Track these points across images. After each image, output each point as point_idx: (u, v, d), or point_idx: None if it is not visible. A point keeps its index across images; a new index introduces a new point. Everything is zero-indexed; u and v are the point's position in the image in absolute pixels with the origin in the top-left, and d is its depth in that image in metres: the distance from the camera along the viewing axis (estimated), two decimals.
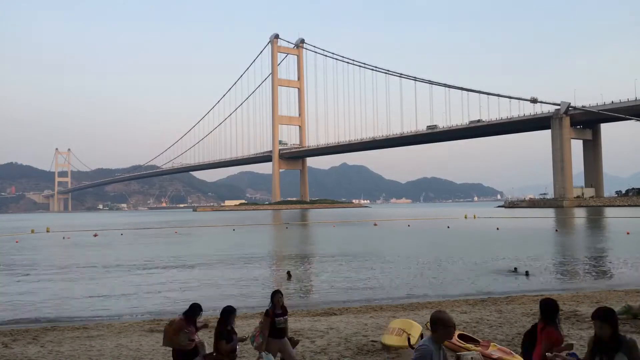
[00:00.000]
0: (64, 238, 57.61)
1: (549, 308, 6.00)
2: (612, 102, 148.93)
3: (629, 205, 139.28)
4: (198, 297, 19.21)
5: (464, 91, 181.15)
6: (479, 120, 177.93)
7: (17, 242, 53.15)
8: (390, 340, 9.29)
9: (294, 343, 8.57)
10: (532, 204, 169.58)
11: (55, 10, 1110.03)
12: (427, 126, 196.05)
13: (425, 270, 24.91)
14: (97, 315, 16.23)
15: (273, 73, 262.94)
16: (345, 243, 43.15)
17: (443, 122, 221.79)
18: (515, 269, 23.83)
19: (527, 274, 22.42)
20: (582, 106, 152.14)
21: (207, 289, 20.81)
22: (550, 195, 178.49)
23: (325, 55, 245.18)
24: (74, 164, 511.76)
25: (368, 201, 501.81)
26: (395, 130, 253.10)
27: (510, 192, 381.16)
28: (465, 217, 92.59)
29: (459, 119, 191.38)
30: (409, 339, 8.84)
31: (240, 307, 17.24)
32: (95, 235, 62.23)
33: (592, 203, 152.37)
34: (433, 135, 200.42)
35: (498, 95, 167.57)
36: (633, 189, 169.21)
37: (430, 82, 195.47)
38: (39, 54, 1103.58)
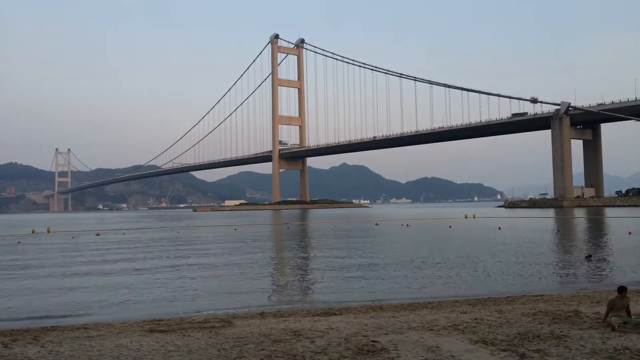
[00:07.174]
0: (72, 237, 58.53)
1: None
2: (612, 102, 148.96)
3: (629, 206, 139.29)
4: (199, 297, 19.20)
5: (464, 91, 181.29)
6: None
7: (19, 242, 53.07)
8: None
9: None
10: (533, 204, 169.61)
11: (54, 10, 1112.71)
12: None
13: (426, 270, 24.90)
14: (97, 315, 16.23)
15: (273, 73, 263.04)
16: (346, 243, 43.15)
17: (443, 122, 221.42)
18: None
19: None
20: (582, 106, 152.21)
21: (209, 289, 20.80)
22: (551, 195, 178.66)
23: (325, 55, 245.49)
24: (74, 164, 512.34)
25: (368, 201, 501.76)
26: (395, 130, 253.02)
27: (510, 192, 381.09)
28: (466, 217, 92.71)
29: (459, 119, 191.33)
30: None
31: (240, 306, 17.23)
32: (97, 235, 63.39)
33: (592, 203, 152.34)
34: (433, 135, 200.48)
35: (498, 95, 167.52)
36: (633, 189, 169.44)
37: (430, 82, 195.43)
38: (38, 54, 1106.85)
